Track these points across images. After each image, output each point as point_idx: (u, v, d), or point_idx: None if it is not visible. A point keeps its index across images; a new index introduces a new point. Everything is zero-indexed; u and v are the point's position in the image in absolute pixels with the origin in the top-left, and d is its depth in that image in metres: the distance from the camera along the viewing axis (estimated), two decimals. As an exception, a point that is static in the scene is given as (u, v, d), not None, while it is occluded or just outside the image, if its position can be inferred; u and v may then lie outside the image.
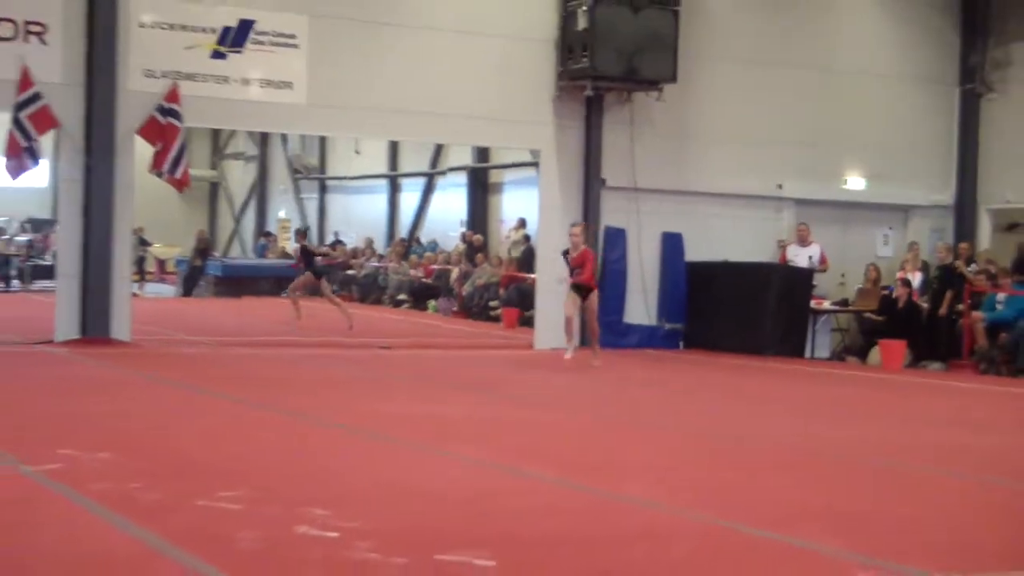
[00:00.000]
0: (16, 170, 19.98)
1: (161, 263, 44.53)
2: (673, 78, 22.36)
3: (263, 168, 48.83)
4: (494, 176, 35.67)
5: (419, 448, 11.19)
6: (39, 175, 24.41)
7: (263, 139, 47.36)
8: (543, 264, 23.07)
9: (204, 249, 41.03)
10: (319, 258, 27.11)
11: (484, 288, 30.26)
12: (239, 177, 51.05)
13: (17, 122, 19.39)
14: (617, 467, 10.65)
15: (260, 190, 49.08)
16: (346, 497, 8.54)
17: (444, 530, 7.66)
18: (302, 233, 27.85)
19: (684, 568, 7.10)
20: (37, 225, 44.46)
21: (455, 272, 32.30)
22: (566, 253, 19.32)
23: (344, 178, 43.89)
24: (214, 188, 52.26)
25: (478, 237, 33.68)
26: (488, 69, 22.20)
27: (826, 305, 23.63)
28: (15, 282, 38.68)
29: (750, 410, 15.72)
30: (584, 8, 21.81)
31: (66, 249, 20.47)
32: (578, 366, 19.14)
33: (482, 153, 34.78)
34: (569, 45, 22.19)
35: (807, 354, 22.71)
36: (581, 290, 18.97)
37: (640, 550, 7.54)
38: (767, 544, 7.75)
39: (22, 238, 41.94)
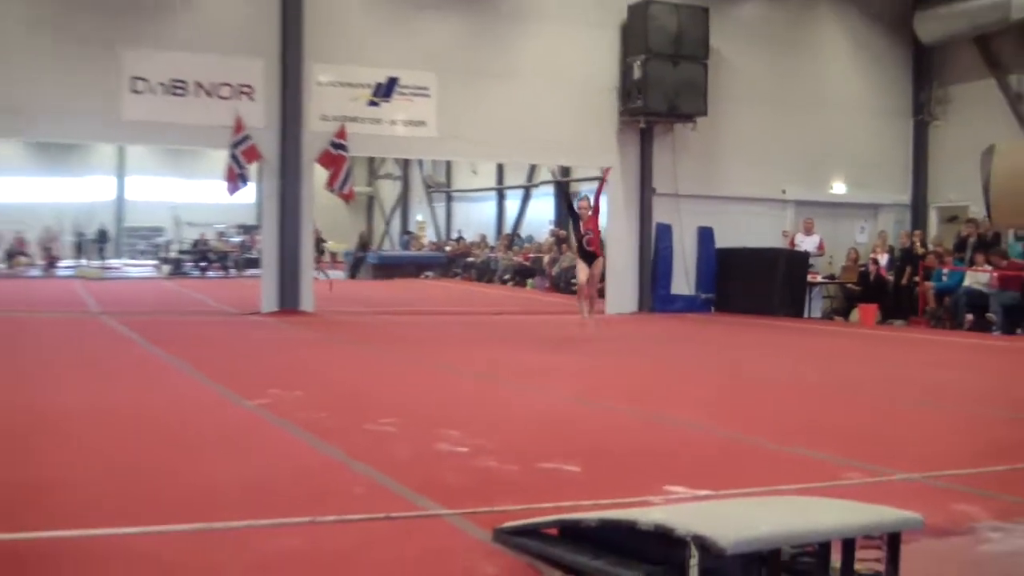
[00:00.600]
0: (233, 190, 20.29)
1: (333, 255, 44.87)
2: (704, 113, 22.32)
3: (405, 184, 48.98)
4: (574, 187, 35.55)
5: (522, 386, 11.27)
6: (247, 193, 24.61)
7: (405, 163, 47.48)
8: (611, 251, 23.08)
9: (364, 244, 41.33)
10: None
11: (568, 269, 30.23)
12: (388, 191, 51.24)
13: (233, 156, 19.70)
14: (667, 398, 10.69)
15: (403, 201, 49.24)
16: (471, 422, 8.62)
17: (543, 446, 7.73)
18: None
19: (715, 468, 7.14)
20: (246, 229, 44.95)
21: (546, 258, 32.34)
22: (571, 210, 18.28)
23: (464, 191, 43.93)
24: (370, 200, 52.45)
25: (562, 232, 33.66)
26: (569, 108, 22.20)
27: (819, 279, 23.49)
28: (232, 270, 39.17)
29: (766, 355, 15.64)
30: (638, 63, 21.82)
31: (268, 246, 20.74)
32: (605, 322, 19.08)
33: (565, 170, 34.71)
34: (628, 90, 22.17)
35: (805, 315, 22.57)
36: (588, 257, 17.26)
37: (683, 456, 7.60)
38: (779, 455, 7.77)
39: (236, 239, 42.44)
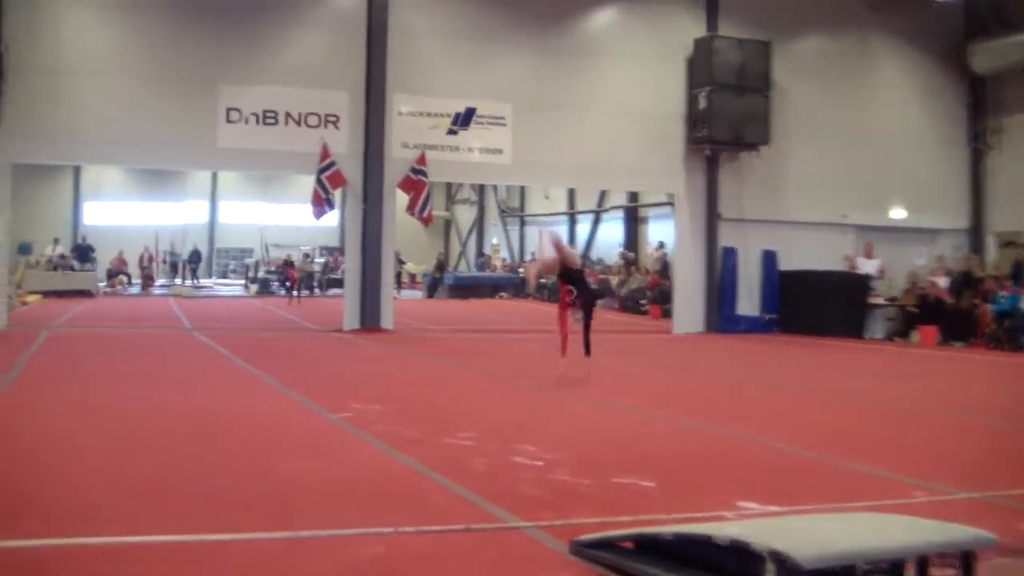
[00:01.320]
0: (319, 214, 20.39)
1: (412, 275, 45.01)
2: (767, 141, 22.11)
3: (481, 209, 49.08)
4: (642, 212, 35.48)
5: (595, 401, 11.14)
6: (332, 217, 24.87)
7: (481, 189, 47.63)
8: (678, 273, 23.02)
9: (441, 265, 41.39)
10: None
11: (636, 290, 30.12)
12: (465, 215, 51.38)
13: (319, 181, 19.81)
14: (735, 414, 10.48)
15: (479, 224, 49.35)
16: (546, 436, 8.52)
17: (616, 460, 7.61)
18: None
19: (785, 484, 6.96)
20: (330, 251, 45.28)
21: (616, 279, 32.21)
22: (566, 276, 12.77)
23: (537, 215, 43.93)
24: (448, 224, 52.62)
25: (631, 255, 33.57)
26: (637, 137, 22.08)
27: (880, 300, 23.03)
28: (316, 290, 39.43)
29: (829, 374, 15.37)
30: (704, 94, 21.67)
31: (350, 266, 20.83)
32: (670, 342, 18.85)
33: (633, 196, 34.61)
34: (694, 120, 22.02)
35: (866, 336, 22.16)
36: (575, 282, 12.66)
37: (754, 471, 7.42)
38: (846, 471, 7.56)
39: (320, 260, 42.73)
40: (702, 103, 21.79)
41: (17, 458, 7.04)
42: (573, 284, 12.58)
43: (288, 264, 35.77)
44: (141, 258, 41.52)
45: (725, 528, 4.58)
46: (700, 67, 22.03)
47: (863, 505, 6.05)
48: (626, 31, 22.48)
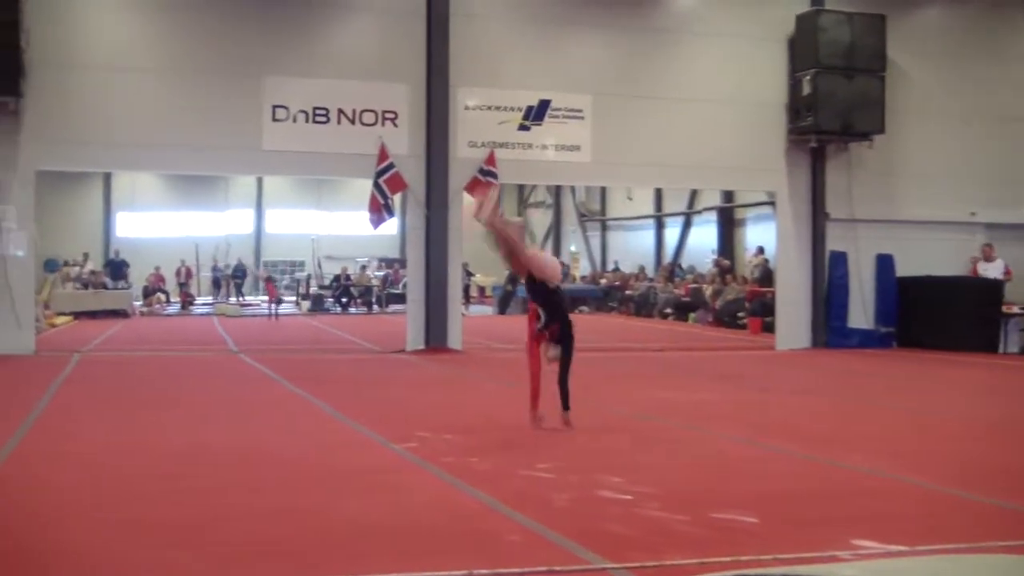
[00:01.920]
0: (377, 222, 20.59)
1: (481, 289, 45.14)
2: (881, 130, 21.87)
3: (557, 213, 49.13)
4: (738, 213, 35.32)
5: (687, 427, 11.13)
6: (391, 225, 25.11)
7: (557, 191, 47.69)
8: (781, 281, 22.87)
9: (514, 277, 41.41)
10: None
11: (733, 302, 29.97)
12: (539, 220, 51.41)
13: (377, 185, 20.01)
14: (846, 441, 10.40)
15: (555, 230, 49.39)
16: (634, 467, 8.54)
17: (713, 493, 7.62)
18: None
19: (907, 520, 6.91)
20: (389, 263, 45.57)
21: (709, 290, 32.08)
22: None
23: (620, 219, 43.90)
24: (519, 230, 52.66)
25: (726, 262, 33.42)
26: (731, 129, 22.02)
27: (1015, 309, 22.66)
28: (375, 306, 39.71)
29: (955, 394, 15.21)
30: (808, 78, 21.55)
31: (413, 280, 21.01)
32: (765, 360, 18.65)
33: (728, 195, 34.46)
34: (796, 108, 21.91)
35: (1000, 349, 21.82)
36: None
37: (870, 506, 7.38)
38: (978, 506, 7.50)
39: (379, 272, 43.03)
40: (806, 88, 21.66)
41: (47, 501, 7.22)
42: (545, 306, 10.77)
43: (269, 279, 36.36)
44: (178, 273, 42.13)
45: (839, 570, 4.56)
46: (803, 47, 21.91)
47: (998, 545, 6.01)
48: (719, 8, 22.44)
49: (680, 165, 22.13)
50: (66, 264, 36.35)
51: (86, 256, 39.86)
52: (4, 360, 17.90)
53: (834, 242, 22.51)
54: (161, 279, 41.30)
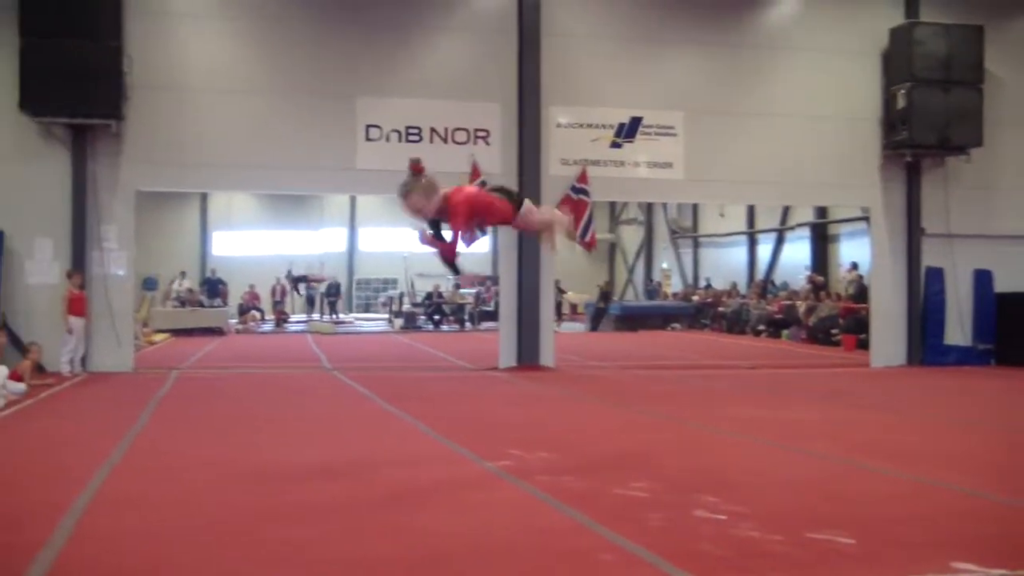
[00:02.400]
0: (469, 240, 20.60)
1: (573, 306, 45.13)
2: (979, 143, 21.55)
3: (649, 230, 49.02)
4: (832, 229, 34.96)
5: (780, 445, 11.01)
6: (483, 243, 25.24)
7: (649, 208, 47.59)
8: (876, 298, 22.60)
9: (606, 294, 41.41)
10: None
11: (826, 319, 29.66)
12: (631, 238, 51.36)
13: (469, 203, 20.08)
14: (944, 460, 10.23)
15: (647, 247, 49.28)
16: (729, 486, 8.48)
17: (809, 513, 7.54)
18: None
19: (1009, 542, 6.79)
20: (481, 280, 45.74)
21: (802, 306, 31.80)
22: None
23: (712, 235, 43.70)
24: (612, 248, 52.66)
25: (820, 278, 33.12)
26: (825, 144, 21.84)
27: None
28: (467, 324, 39.87)
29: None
30: (903, 91, 21.31)
31: (506, 297, 21.08)
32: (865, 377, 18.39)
33: (821, 211, 34.15)
34: (891, 122, 21.69)
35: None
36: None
37: (969, 527, 7.26)
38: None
39: (470, 291, 43.19)
40: (901, 102, 21.43)
41: (150, 519, 7.35)
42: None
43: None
44: (273, 291, 42.64)
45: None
46: (898, 60, 21.69)
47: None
48: (811, 23, 22.27)
49: (773, 181, 21.99)
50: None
51: (183, 275, 40.53)
52: (104, 377, 18.28)
53: (930, 258, 22.21)
54: (256, 297, 41.87)
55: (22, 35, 18.33)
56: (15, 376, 15.53)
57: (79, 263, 19.09)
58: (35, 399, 15.06)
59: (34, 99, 18.46)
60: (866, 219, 23.64)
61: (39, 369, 17.68)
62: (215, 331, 33.35)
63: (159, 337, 30.45)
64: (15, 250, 19.20)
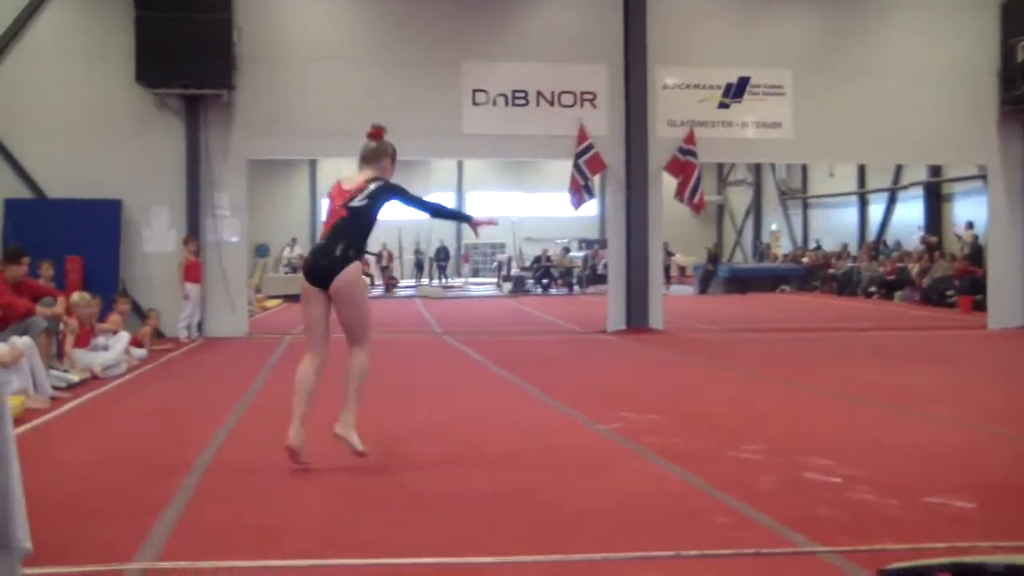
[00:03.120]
0: (577, 203, 20.68)
1: (682, 269, 44.93)
2: (1107, 95, 20.91)
3: (758, 191, 48.55)
4: (945, 188, 34.27)
5: (894, 408, 10.87)
6: (590, 206, 25.32)
7: (757, 169, 47.11)
8: (993, 258, 22.13)
9: (714, 256, 41.16)
10: None
11: (941, 280, 29.11)
12: (739, 199, 50.94)
13: (577, 167, 20.11)
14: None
15: (755, 209, 48.82)
16: (842, 449, 8.39)
17: (926, 477, 7.43)
18: None
19: None
20: (588, 244, 45.72)
21: (915, 268, 31.25)
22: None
23: (822, 196, 43.12)
24: (720, 209, 52.28)
25: (933, 238, 32.50)
26: (939, 100, 21.34)
27: None
28: (576, 287, 39.91)
29: None
30: (1023, 44, 20.72)
31: (614, 260, 21.03)
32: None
33: (935, 169, 33.47)
34: (1010, 76, 21.05)
35: None
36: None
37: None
38: None
39: (578, 254, 43.20)
40: (1021, 55, 20.80)
41: (267, 480, 7.48)
42: None
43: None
44: (379, 256, 43.03)
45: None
46: (1018, 12, 21.05)
47: None
48: (923, -24, 21.82)
49: (885, 139, 21.57)
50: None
51: (294, 241, 41.06)
52: (220, 343, 18.64)
53: (1052, 217, 21.66)
54: (366, 263, 42.27)
55: (137, 8, 18.69)
56: (136, 342, 15.90)
57: (194, 231, 19.47)
58: (154, 364, 15.42)
59: (149, 71, 18.85)
60: (983, 177, 23.13)
61: (158, 335, 18.11)
62: (326, 296, 33.65)
63: (272, 303, 30.89)
64: (133, 219, 19.65)
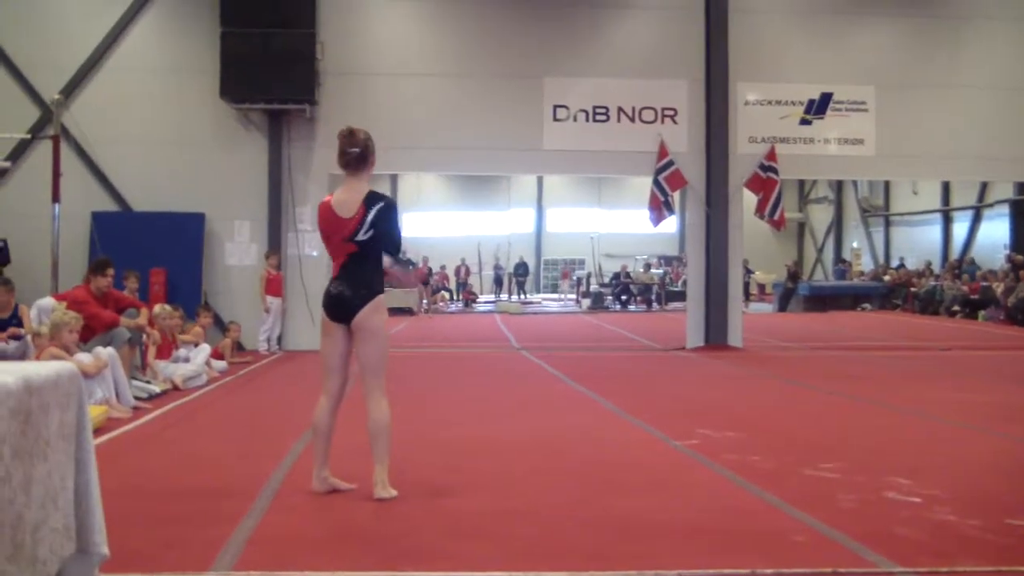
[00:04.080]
0: (657, 219, 20.64)
1: (761, 286, 44.60)
2: None
3: (839, 208, 48.13)
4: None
5: (977, 428, 10.67)
6: (671, 223, 25.25)
7: (839, 186, 46.71)
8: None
9: (794, 274, 40.80)
10: None
11: (1026, 299, 28.63)
12: (820, 217, 50.52)
13: (657, 183, 20.06)
14: None
15: (837, 226, 48.38)
16: (923, 468, 8.27)
17: (1010, 498, 7.30)
18: None
19: None
20: (667, 260, 45.58)
21: (1000, 287, 30.74)
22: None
23: (904, 213, 42.65)
24: (801, 227, 51.89)
25: (1020, 257, 31.95)
26: (1022, 116, 21.04)
27: None
28: (655, 304, 39.77)
29: None
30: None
31: (694, 277, 20.94)
32: None
33: (1021, 187, 32.92)
34: (1100, 94, 20.76)
35: None
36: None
37: None
38: None
39: (657, 271, 43.06)
40: (1113, 70, 20.47)
41: (342, 490, 7.51)
42: None
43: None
44: (457, 271, 43.22)
45: None
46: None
47: None
48: (1007, -9, 21.53)
49: (970, 156, 21.31)
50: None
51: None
52: (300, 356, 18.78)
53: None
54: (445, 277, 42.50)
55: (222, 25, 18.96)
56: (216, 354, 16.09)
57: (275, 244, 19.68)
58: (235, 376, 15.59)
59: (233, 87, 19.12)
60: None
61: (239, 347, 18.31)
62: (405, 311, 33.88)
63: (352, 317, 31.03)
64: (216, 232, 19.91)
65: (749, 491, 7.50)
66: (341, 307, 7.44)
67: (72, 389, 4.43)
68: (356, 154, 7.64)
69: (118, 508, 6.44)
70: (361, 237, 7.36)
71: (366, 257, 7.43)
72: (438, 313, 36.35)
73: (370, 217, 7.35)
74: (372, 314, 7.39)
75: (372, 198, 7.43)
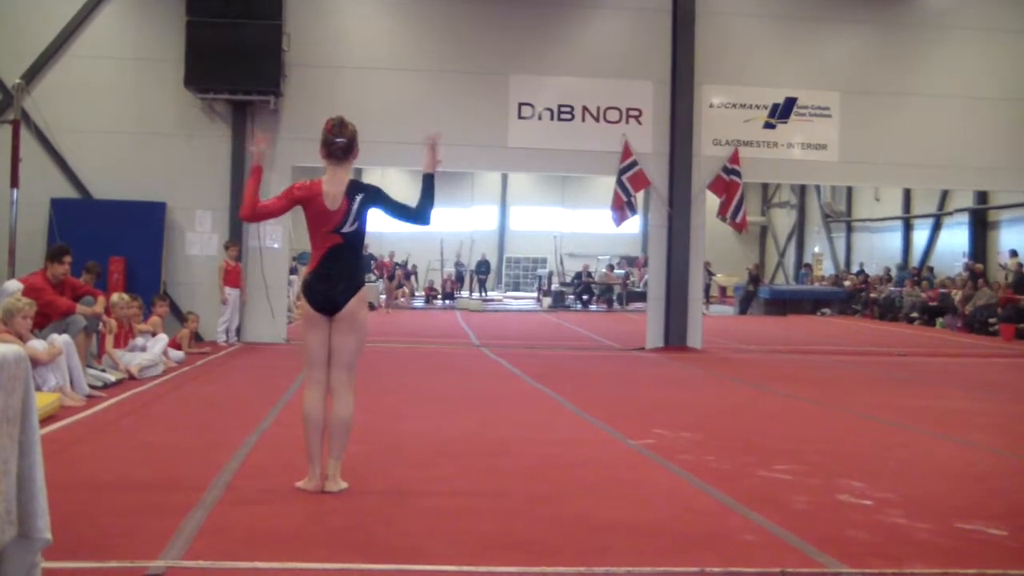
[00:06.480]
0: (620, 219, 20.68)
1: (723, 289, 44.74)
2: None
3: (801, 213, 48.27)
4: (992, 215, 33.95)
5: (931, 434, 10.75)
6: (632, 223, 25.27)
7: (802, 190, 46.90)
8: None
9: (756, 278, 40.93)
10: None
11: (984, 308, 28.82)
12: (782, 221, 50.69)
13: (620, 183, 20.10)
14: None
15: (799, 231, 48.55)
16: (875, 472, 8.33)
17: (959, 502, 7.36)
18: None
19: None
20: (629, 261, 45.66)
21: (958, 295, 30.94)
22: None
23: (866, 220, 42.84)
24: (763, 230, 52.05)
25: (979, 266, 32.18)
26: (989, 126, 21.25)
27: None
28: (616, 304, 39.82)
29: None
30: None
31: (655, 278, 21.00)
32: None
33: (981, 196, 33.15)
34: (1062, 103, 20.95)
35: None
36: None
37: None
38: None
39: (619, 271, 43.12)
40: (1075, 83, 20.65)
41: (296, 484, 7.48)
42: None
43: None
44: (425, 270, 43.18)
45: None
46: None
47: None
48: (976, 2, 21.66)
49: (933, 165, 21.45)
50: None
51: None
52: (258, 348, 18.72)
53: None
54: (406, 273, 42.44)
55: (188, 14, 18.85)
56: (174, 344, 16.00)
57: (236, 236, 19.57)
58: (191, 366, 15.50)
59: (198, 76, 19.03)
60: (1029, 205, 22.92)
61: (197, 338, 18.22)
62: (367, 307, 33.68)
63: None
64: (177, 222, 19.79)
65: (702, 490, 7.53)
66: (328, 298, 7.39)
67: (18, 372, 4.38)
68: (343, 144, 7.80)
69: (68, 496, 6.40)
70: (347, 230, 7.48)
71: (350, 248, 7.51)
72: (398, 309, 36.24)
73: (354, 208, 7.48)
74: (358, 307, 7.46)
75: (352, 188, 7.60)
